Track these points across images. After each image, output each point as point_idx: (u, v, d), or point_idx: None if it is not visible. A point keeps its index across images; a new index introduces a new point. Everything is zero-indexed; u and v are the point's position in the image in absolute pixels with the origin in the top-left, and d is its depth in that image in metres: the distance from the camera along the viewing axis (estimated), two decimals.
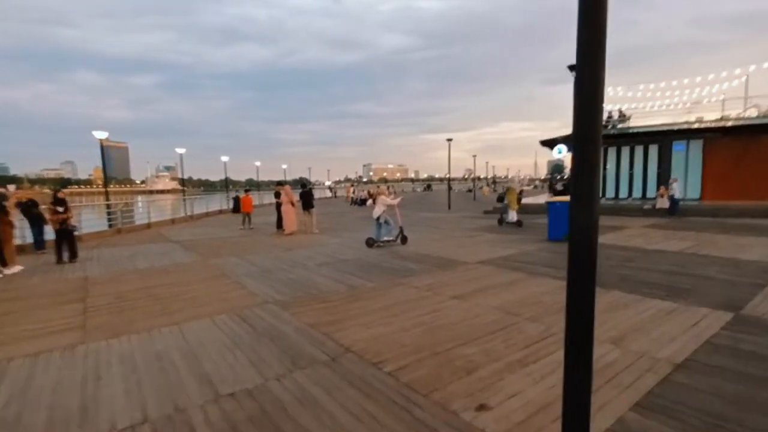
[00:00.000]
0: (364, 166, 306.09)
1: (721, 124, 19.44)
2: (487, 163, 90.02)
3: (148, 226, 16.68)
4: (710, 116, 21.13)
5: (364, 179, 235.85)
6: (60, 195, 9.58)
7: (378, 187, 11.09)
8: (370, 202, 32.19)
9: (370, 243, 10.36)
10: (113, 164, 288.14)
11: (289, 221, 13.56)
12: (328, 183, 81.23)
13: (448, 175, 27.67)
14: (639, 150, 21.24)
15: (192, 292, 6.36)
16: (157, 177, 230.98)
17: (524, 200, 22.48)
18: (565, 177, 33.75)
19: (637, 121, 22.21)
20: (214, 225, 17.52)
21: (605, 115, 22.92)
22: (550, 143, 25.62)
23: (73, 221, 9.85)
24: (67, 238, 9.41)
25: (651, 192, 20.96)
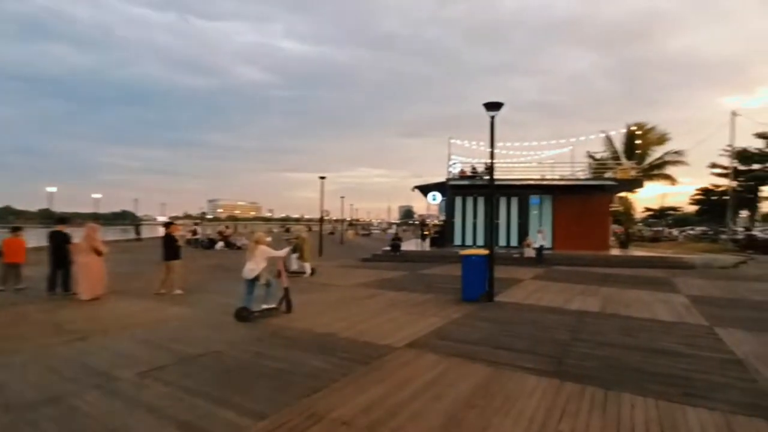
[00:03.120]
0: (210, 201, 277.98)
1: (563, 182, 22.00)
2: (351, 205, 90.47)
3: None
4: (552, 175, 23.76)
5: (209, 216, 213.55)
6: None
7: (257, 234, 7.72)
8: (220, 245, 27.47)
9: (244, 315, 7.01)
10: None
11: (91, 279, 8.74)
12: (162, 218, 68.92)
13: (320, 217, 25.19)
14: (503, 201, 22.47)
15: None
16: None
17: (403, 247, 21.36)
18: (427, 222, 34.71)
19: (500, 175, 23.67)
20: None
21: (469, 169, 23.96)
22: (424, 189, 25.64)
23: None
24: None
25: (513, 241, 22.20)
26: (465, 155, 25.40)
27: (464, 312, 7.82)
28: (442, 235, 24.14)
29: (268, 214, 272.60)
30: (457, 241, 22.97)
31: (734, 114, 26.67)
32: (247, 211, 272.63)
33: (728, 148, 35.09)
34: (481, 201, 22.76)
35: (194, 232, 29.17)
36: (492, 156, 9.26)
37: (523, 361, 4.99)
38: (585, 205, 21.16)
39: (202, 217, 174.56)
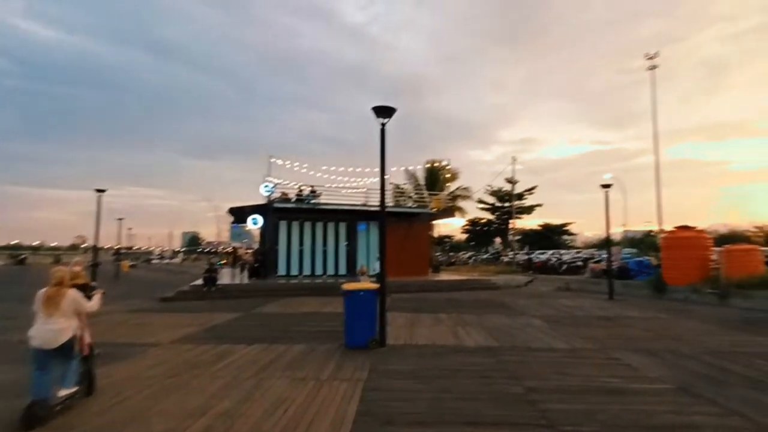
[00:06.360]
0: None
1: (390, 209, 22.61)
2: (130, 229, 72.16)
3: None
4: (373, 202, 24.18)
5: None
6: None
7: (65, 271, 4.13)
8: None
9: (39, 413, 3.70)
10: None
11: None
12: None
13: (94, 245, 18.57)
14: (331, 227, 21.37)
15: None
16: None
17: (220, 281, 17.42)
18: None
19: (327, 199, 22.57)
20: None
21: (296, 191, 22.10)
22: (240, 212, 22.17)
23: None
24: None
25: (342, 269, 21.20)
26: (281, 177, 23.50)
27: (367, 367, 5.94)
28: (264, 264, 21.20)
29: None
30: (282, 270, 20.58)
31: (514, 159, 33.79)
32: None
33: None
34: (308, 226, 21.10)
35: None
36: (382, 173, 7.91)
37: None
38: (408, 232, 22.06)
39: None
